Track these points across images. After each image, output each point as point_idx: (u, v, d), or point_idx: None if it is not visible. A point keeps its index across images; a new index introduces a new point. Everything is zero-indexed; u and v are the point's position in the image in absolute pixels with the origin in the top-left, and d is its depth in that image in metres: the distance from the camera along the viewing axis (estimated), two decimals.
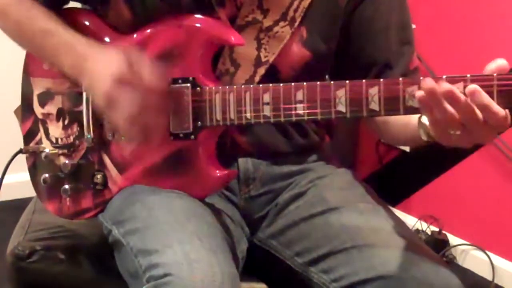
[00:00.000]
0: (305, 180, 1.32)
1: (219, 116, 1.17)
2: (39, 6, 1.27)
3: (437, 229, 2.71)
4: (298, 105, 1.11)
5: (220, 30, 1.21)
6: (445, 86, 0.95)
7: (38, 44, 1.28)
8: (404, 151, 2.77)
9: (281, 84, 1.13)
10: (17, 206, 1.70)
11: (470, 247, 2.63)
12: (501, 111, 0.95)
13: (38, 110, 1.36)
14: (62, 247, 1.38)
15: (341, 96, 1.08)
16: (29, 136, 1.38)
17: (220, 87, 1.18)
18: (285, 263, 1.26)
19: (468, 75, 0.98)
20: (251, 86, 1.15)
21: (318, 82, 1.10)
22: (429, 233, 2.72)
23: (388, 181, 2.87)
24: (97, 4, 1.30)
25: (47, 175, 1.33)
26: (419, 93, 0.97)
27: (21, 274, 1.36)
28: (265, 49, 1.24)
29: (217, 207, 1.26)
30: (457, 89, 0.96)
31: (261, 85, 1.15)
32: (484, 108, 0.95)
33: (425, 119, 1.05)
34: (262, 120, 1.14)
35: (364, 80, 1.07)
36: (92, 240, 1.38)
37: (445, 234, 2.68)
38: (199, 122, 1.19)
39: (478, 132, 0.97)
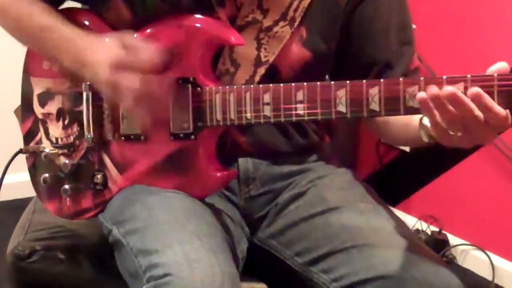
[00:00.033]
0: (305, 180, 1.32)
1: (219, 116, 1.17)
2: (39, 2, 1.27)
3: (437, 229, 2.71)
4: (298, 105, 1.11)
5: (220, 30, 1.21)
6: (447, 89, 0.95)
7: (38, 40, 1.28)
8: (404, 151, 2.77)
9: (282, 84, 1.13)
10: (17, 206, 1.70)
11: (470, 247, 2.63)
12: (502, 112, 0.95)
13: (38, 110, 1.36)
14: (62, 247, 1.38)
15: (341, 96, 1.08)
16: (29, 136, 1.38)
17: (220, 87, 1.18)
18: (285, 263, 1.26)
19: (469, 76, 0.98)
20: (251, 86, 1.15)
21: (319, 83, 1.11)
22: (429, 233, 2.72)
23: (388, 181, 2.87)
24: (97, 4, 1.30)
25: (47, 175, 1.33)
26: (420, 95, 0.97)
27: (21, 274, 1.36)
28: (265, 49, 1.24)
29: (217, 207, 1.26)
30: (458, 90, 0.96)
31: (261, 85, 1.15)
32: (486, 109, 0.95)
33: (426, 121, 1.05)
34: (262, 120, 1.14)
35: (364, 81, 1.07)
36: (92, 240, 1.38)
37: (445, 234, 2.68)
38: (199, 122, 1.19)
39: (479, 132, 0.97)
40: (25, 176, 1.40)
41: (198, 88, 1.19)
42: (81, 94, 1.28)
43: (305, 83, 1.11)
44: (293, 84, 1.12)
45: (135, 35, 1.19)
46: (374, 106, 1.06)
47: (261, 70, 1.24)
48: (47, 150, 1.34)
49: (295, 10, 1.23)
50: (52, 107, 1.34)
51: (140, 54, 1.13)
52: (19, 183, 1.91)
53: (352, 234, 1.18)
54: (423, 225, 2.75)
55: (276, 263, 1.27)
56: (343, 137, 2.77)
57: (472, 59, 2.45)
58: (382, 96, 1.05)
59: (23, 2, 1.28)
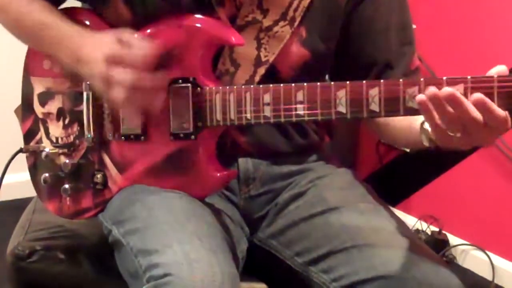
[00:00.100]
0: (305, 180, 1.32)
1: (219, 116, 1.17)
2: (39, 0, 1.27)
3: (437, 229, 2.71)
4: (298, 106, 1.11)
5: (220, 30, 1.21)
6: (446, 89, 0.95)
7: (37, 37, 1.28)
8: (404, 151, 2.77)
9: (282, 85, 1.13)
10: (17, 206, 1.70)
11: (470, 247, 2.63)
12: (501, 113, 0.95)
13: (39, 110, 1.36)
14: (62, 247, 1.38)
15: (341, 96, 1.08)
16: (29, 136, 1.38)
17: (220, 87, 1.18)
18: (285, 263, 1.26)
19: (469, 77, 0.98)
20: (252, 86, 1.15)
21: (319, 83, 1.11)
22: (429, 233, 2.72)
23: (388, 181, 2.87)
24: (97, 3, 1.30)
25: (47, 174, 1.33)
26: (419, 97, 0.97)
27: (21, 274, 1.36)
28: (265, 49, 1.24)
29: (217, 207, 1.26)
30: (457, 91, 0.96)
31: (261, 86, 1.15)
32: (485, 110, 0.95)
33: (427, 125, 1.05)
34: (262, 121, 1.14)
35: (364, 81, 1.07)
36: (92, 240, 1.38)
37: (445, 234, 2.68)
38: (200, 122, 1.19)
39: (478, 133, 0.97)
40: (25, 176, 1.40)
41: (198, 88, 1.19)
42: (82, 93, 1.28)
43: (305, 84, 1.11)
44: (293, 84, 1.12)
45: (131, 32, 1.18)
46: (374, 106, 1.06)
47: (261, 70, 1.24)
48: (47, 149, 1.34)
49: (295, 10, 1.24)
50: (53, 106, 1.34)
51: (134, 50, 1.13)
52: (19, 183, 1.91)
53: (352, 234, 1.18)
54: (423, 225, 2.75)
55: (276, 263, 1.27)
56: (343, 137, 2.76)
57: (472, 59, 2.45)
58: (382, 96, 1.05)
59: (22, 1, 1.28)
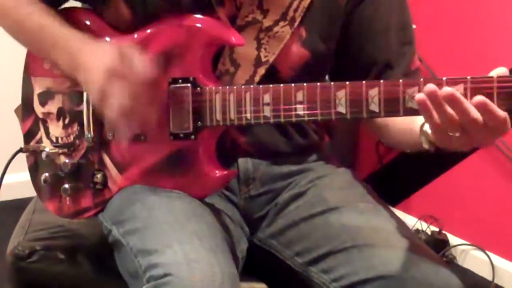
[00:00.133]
0: (305, 180, 1.32)
1: (219, 116, 1.17)
2: (38, 2, 1.27)
3: (437, 229, 2.71)
4: (298, 106, 1.11)
5: (220, 30, 1.21)
6: (446, 89, 0.95)
7: (35, 41, 1.28)
8: (404, 151, 2.77)
9: (281, 85, 1.13)
10: (17, 206, 1.70)
11: (470, 247, 2.63)
12: (501, 114, 0.95)
13: (39, 109, 1.36)
14: (62, 247, 1.38)
15: (341, 97, 1.08)
16: (29, 135, 1.38)
17: (220, 87, 1.18)
18: (285, 263, 1.26)
19: (469, 77, 0.98)
20: (251, 86, 1.15)
21: (318, 83, 1.11)
22: (429, 233, 2.72)
23: (388, 181, 2.87)
24: (97, 4, 1.30)
25: (47, 174, 1.33)
26: (418, 96, 0.97)
27: (21, 274, 1.36)
28: (265, 49, 1.24)
29: (217, 207, 1.26)
30: (457, 91, 0.96)
31: (261, 86, 1.15)
32: (486, 111, 0.95)
33: (427, 127, 1.05)
34: (262, 121, 1.15)
35: (364, 82, 1.07)
36: (92, 240, 1.38)
37: (445, 234, 2.68)
38: (199, 122, 1.19)
39: (477, 134, 0.97)
40: (25, 176, 1.40)
41: (198, 88, 1.19)
42: (82, 93, 1.28)
43: (305, 84, 1.11)
44: (293, 84, 1.12)
45: (133, 47, 1.17)
46: (374, 107, 1.06)
47: (261, 70, 1.24)
48: (47, 149, 1.34)
49: (295, 10, 1.24)
50: (53, 106, 1.34)
51: (135, 66, 1.13)
52: (19, 183, 1.91)
53: (352, 234, 1.18)
54: (423, 225, 2.75)
55: (276, 263, 1.27)
56: (343, 137, 2.77)
57: (472, 59, 2.45)
58: (381, 97, 1.05)
59: (23, 5, 1.28)
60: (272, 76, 1.24)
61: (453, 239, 2.68)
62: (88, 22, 1.30)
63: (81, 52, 1.20)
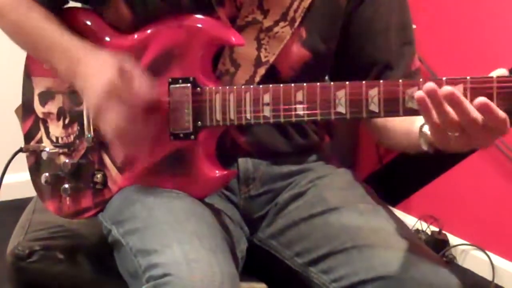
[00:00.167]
0: (305, 180, 1.32)
1: (219, 116, 1.17)
2: (37, 7, 1.27)
3: (437, 229, 2.71)
4: (298, 106, 1.11)
5: (220, 31, 1.21)
6: (446, 88, 0.95)
7: (34, 46, 1.29)
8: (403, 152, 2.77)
9: (281, 85, 1.13)
10: (17, 206, 1.70)
11: (470, 247, 2.63)
12: (502, 114, 0.95)
13: (39, 109, 1.36)
14: (62, 247, 1.38)
15: (341, 97, 1.08)
16: (29, 135, 1.39)
17: (220, 87, 1.18)
18: (285, 263, 1.26)
19: (468, 77, 0.98)
20: (251, 86, 1.15)
21: (318, 83, 1.10)
22: (429, 233, 2.72)
23: (388, 181, 2.87)
24: (97, 4, 1.30)
25: (47, 174, 1.33)
26: (418, 94, 0.96)
27: (21, 274, 1.36)
28: (265, 49, 1.24)
29: (217, 207, 1.26)
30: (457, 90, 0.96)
31: (261, 86, 1.15)
32: (484, 110, 0.95)
33: (426, 128, 1.05)
34: (262, 121, 1.14)
35: (364, 82, 1.07)
36: (92, 240, 1.38)
37: (445, 234, 2.68)
38: (199, 122, 1.19)
39: (477, 134, 0.97)
40: (25, 176, 1.40)
41: (198, 88, 1.19)
42: None
43: (304, 84, 1.11)
44: (292, 84, 1.12)
45: (133, 63, 1.17)
46: (373, 107, 1.06)
47: (261, 71, 1.24)
48: (47, 149, 1.34)
49: (296, 11, 1.24)
50: (53, 106, 1.34)
51: (134, 88, 1.13)
52: (19, 183, 1.91)
53: (352, 234, 1.18)
54: (423, 225, 2.75)
55: (276, 263, 1.27)
56: (343, 137, 2.76)
57: (472, 59, 2.45)
58: (381, 97, 1.05)
59: (22, 7, 1.28)
60: (272, 76, 1.24)
61: (453, 239, 2.68)
62: (88, 22, 1.30)
63: (79, 61, 1.20)
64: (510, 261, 2.51)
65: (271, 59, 1.24)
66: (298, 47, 1.25)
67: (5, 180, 1.39)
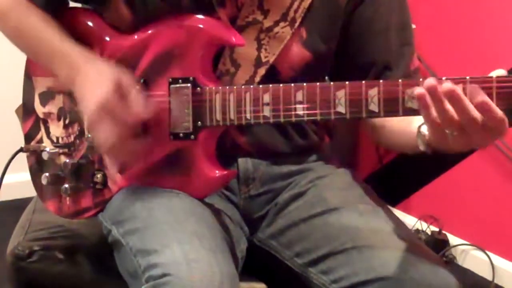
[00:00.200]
0: (305, 180, 1.32)
1: (219, 116, 1.17)
2: (37, 11, 1.27)
3: (437, 229, 2.71)
4: (297, 106, 1.11)
5: (221, 31, 1.21)
6: (447, 85, 0.95)
7: (34, 51, 1.30)
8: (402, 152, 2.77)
9: (281, 85, 1.13)
10: (17, 206, 1.70)
11: (470, 247, 2.63)
12: (499, 112, 0.95)
13: (39, 109, 1.37)
14: (62, 247, 1.38)
15: (340, 97, 1.08)
16: (30, 135, 1.39)
17: (220, 87, 1.18)
18: (285, 263, 1.26)
19: (468, 77, 0.98)
20: (251, 86, 1.15)
21: (318, 83, 1.10)
22: (429, 233, 2.72)
23: (388, 181, 2.87)
24: (97, 4, 1.30)
25: (47, 174, 1.33)
26: (418, 90, 0.96)
27: (21, 274, 1.36)
28: (265, 49, 1.24)
29: (217, 207, 1.26)
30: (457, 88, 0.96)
31: (261, 86, 1.15)
32: (484, 109, 0.95)
33: (424, 129, 1.05)
34: (261, 121, 1.14)
35: (363, 81, 1.07)
36: (92, 240, 1.38)
37: (445, 234, 2.68)
38: (199, 122, 1.19)
39: (476, 134, 0.97)
40: (25, 176, 1.40)
41: (198, 88, 1.19)
42: None
43: (304, 84, 1.11)
44: (292, 84, 1.12)
45: (131, 79, 1.18)
46: (373, 107, 1.06)
47: (261, 71, 1.24)
48: (47, 149, 1.34)
49: (296, 11, 1.24)
50: (53, 106, 1.35)
51: (128, 105, 1.13)
52: (19, 183, 1.91)
53: (351, 235, 1.18)
54: (423, 225, 2.75)
55: (276, 264, 1.27)
56: (343, 137, 2.76)
57: (472, 59, 2.45)
58: (381, 97, 1.05)
59: (22, 11, 1.27)
60: (272, 76, 1.24)
61: (453, 239, 2.68)
62: (88, 22, 1.30)
63: (78, 70, 1.20)
64: (510, 261, 2.51)
65: (271, 59, 1.24)
66: (298, 47, 1.25)
67: (5, 180, 1.39)
